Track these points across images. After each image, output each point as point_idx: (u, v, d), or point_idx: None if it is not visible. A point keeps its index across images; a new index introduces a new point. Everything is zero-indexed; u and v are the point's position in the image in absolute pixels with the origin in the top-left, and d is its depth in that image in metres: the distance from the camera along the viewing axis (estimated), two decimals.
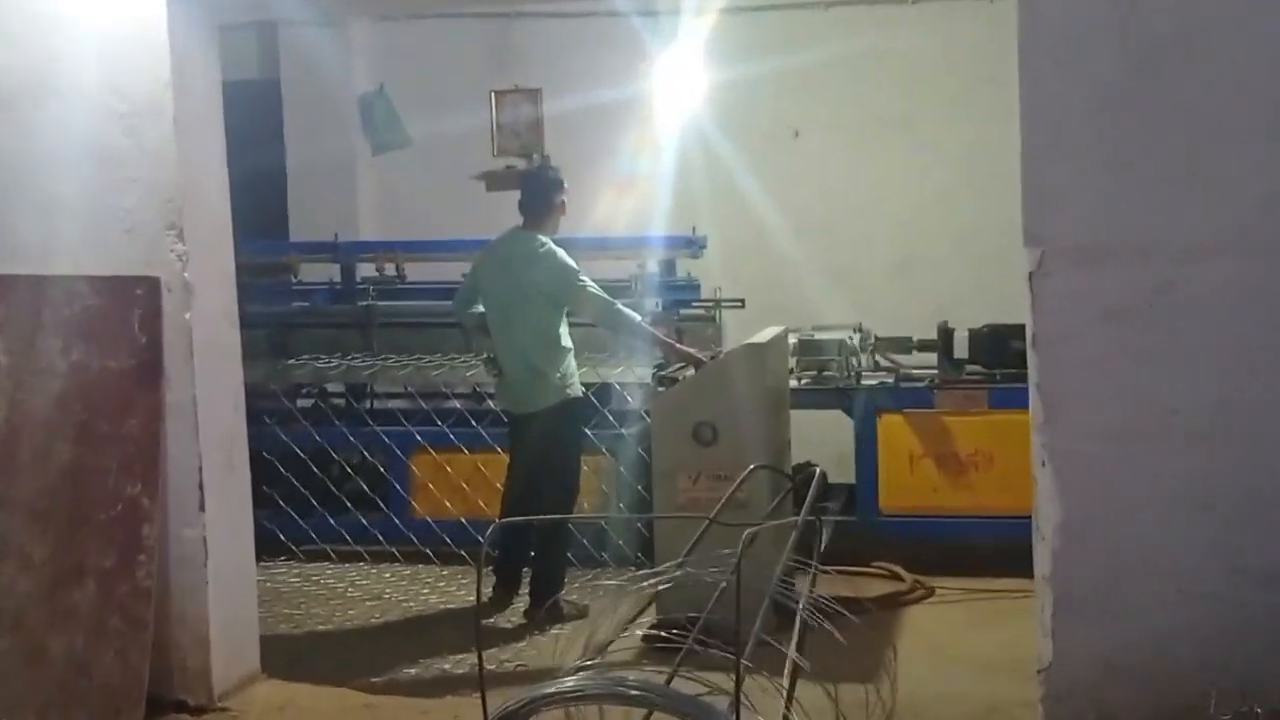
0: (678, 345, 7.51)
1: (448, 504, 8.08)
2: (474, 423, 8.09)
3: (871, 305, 8.93)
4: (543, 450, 7.20)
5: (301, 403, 8.80)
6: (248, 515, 6.29)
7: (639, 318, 7.30)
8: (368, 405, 8.91)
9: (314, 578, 8.13)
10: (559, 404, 7.19)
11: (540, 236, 7.19)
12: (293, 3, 6.59)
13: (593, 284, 7.15)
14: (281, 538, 8.23)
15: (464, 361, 8.16)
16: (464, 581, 7.70)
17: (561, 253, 7.16)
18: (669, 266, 8.66)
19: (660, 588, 4.24)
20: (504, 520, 6.84)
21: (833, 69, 9.67)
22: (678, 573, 4.02)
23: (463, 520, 7.79)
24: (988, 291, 8.24)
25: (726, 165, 9.60)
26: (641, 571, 5.97)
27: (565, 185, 7.32)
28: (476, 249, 7.65)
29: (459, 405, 8.38)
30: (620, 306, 7.20)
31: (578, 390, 7.30)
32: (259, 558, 6.61)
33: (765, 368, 7.00)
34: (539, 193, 7.32)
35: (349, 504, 8.41)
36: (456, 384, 8.42)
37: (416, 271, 8.90)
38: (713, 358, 7.47)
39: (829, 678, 3.99)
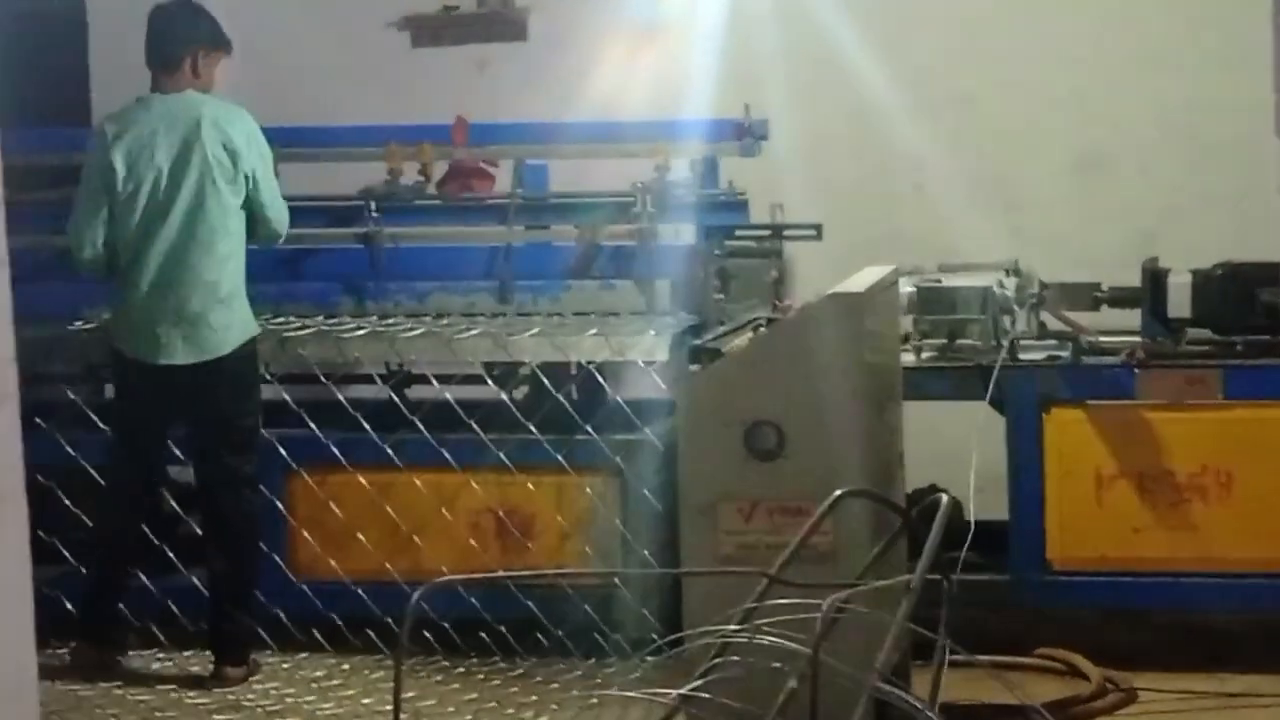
0: None
1: (346, 558, 8.09)
2: (393, 423, 8.13)
3: (1036, 232, 8.98)
4: (224, 417, 7.80)
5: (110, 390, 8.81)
6: (25, 575, 6.28)
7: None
8: None
9: None
10: (247, 344, 7.82)
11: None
12: None
13: None
14: (74, 613, 8.26)
15: (394, 323, 8.32)
16: (375, 679, 7.74)
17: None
18: (709, 169, 8.68)
19: (693, 685, 4.25)
20: (449, 580, 6.86)
21: None
22: (718, 659, 4.03)
23: (377, 583, 7.82)
24: (1220, 210, 8.30)
25: (803, 8, 9.60)
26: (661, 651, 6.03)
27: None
28: (380, 138, 7.69)
29: (371, 393, 8.47)
30: None
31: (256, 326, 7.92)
32: (43, 644, 6.61)
33: (863, 333, 6.97)
34: (177, 31, 7.78)
35: (177, 563, 8.32)
36: (371, 359, 8.41)
37: (296, 176, 8.89)
38: (769, 320, 7.47)
39: None
